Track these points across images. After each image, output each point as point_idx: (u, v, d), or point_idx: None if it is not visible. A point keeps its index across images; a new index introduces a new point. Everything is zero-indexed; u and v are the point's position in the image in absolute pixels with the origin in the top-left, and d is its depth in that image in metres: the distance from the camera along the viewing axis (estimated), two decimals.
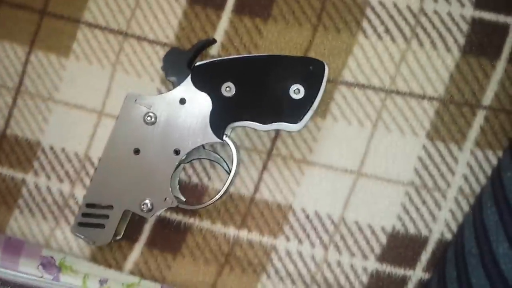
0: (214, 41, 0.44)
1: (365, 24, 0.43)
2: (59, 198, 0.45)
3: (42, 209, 0.46)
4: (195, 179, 0.44)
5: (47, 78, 0.46)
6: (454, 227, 0.41)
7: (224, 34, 0.45)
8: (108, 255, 0.44)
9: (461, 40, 0.42)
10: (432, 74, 0.42)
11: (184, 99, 0.42)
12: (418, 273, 0.42)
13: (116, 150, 0.42)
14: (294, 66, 0.41)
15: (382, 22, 0.43)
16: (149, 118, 0.42)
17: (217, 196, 0.42)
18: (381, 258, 0.42)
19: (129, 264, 0.44)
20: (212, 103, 0.41)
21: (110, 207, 0.42)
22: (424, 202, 0.42)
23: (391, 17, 0.43)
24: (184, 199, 0.43)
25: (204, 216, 0.44)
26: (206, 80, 0.42)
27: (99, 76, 0.46)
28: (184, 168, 0.44)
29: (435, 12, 0.42)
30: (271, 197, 0.43)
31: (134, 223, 0.44)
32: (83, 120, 0.46)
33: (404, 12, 0.43)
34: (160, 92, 0.45)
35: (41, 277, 0.47)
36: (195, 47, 0.43)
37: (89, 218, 0.42)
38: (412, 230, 0.42)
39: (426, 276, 0.42)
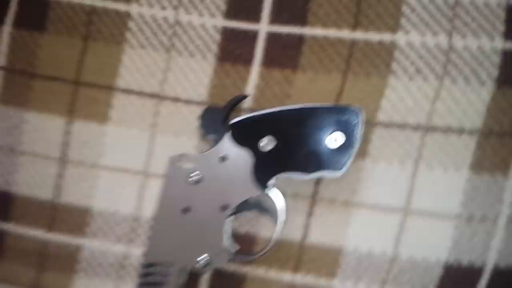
0: (246, 96, 0.45)
1: (394, 66, 0.43)
2: (114, 261, 0.47)
3: (99, 273, 0.47)
4: (242, 229, 0.45)
5: (89, 146, 0.48)
6: (507, 255, 0.42)
7: (255, 87, 0.45)
8: None
9: (495, 73, 0.42)
10: (468, 108, 0.42)
11: (225, 156, 0.43)
12: None
13: (165, 211, 0.43)
14: (329, 115, 0.42)
15: (412, 63, 0.43)
16: (193, 178, 0.43)
17: (271, 244, 0.43)
18: None
19: None
20: (253, 157, 0.42)
21: (168, 265, 0.43)
22: (474, 234, 0.42)
23: (421, 57, 0.43)
24: (237, 248, 0.44)
25: (258, 263, 0.45)
26: (245, 135, 0.43)
27: (139, 139, 0.47)
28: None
29: (465, 47, 0.42)
30: (321, 240, 0.44)
31: (191, 278, 0.46)
32: (129, 182, 0.47)
33: (434, 51, 0.43)
34: (199, 150, 0.46)
35: None
36: (229, 105, 0.44)
37: (149, 277, 0.44)
38: (465, 262, 0.42)
39: None
